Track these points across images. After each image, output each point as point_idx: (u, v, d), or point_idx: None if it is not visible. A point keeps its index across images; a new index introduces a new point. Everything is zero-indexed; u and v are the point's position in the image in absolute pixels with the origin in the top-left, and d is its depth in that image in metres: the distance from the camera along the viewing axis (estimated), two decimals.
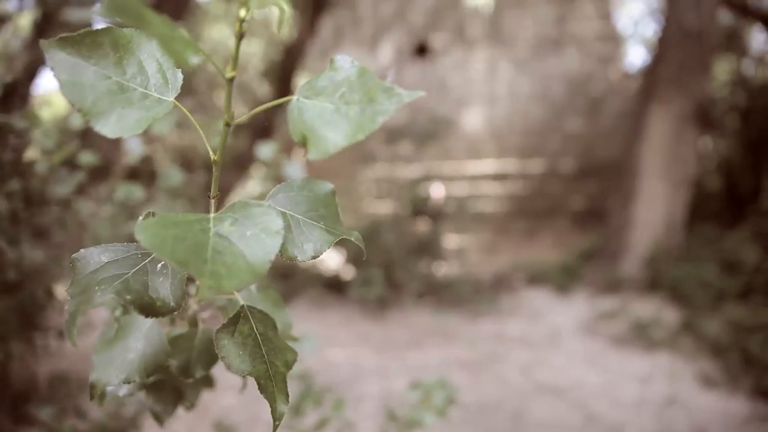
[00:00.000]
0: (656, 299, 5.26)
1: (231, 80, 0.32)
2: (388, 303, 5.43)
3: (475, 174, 10.59)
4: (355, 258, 5.48)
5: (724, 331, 4.03)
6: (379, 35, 11.28)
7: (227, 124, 0.32)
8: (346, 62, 0.29)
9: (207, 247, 0.26)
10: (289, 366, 0.41)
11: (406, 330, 4.71)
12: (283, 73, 7.12)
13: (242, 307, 0.42)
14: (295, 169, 1.18)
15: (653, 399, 3.29)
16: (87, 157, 1.01)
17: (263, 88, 9.89)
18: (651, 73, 6.30)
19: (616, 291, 5.67)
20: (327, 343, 4.32)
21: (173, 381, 0.52)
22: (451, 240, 5.71)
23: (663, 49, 6.16)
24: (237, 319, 0.42)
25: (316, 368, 3.72)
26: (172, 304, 0.32)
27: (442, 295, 5.48)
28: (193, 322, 0.51)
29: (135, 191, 1.02)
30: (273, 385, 0.40)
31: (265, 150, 1.30)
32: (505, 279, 6.16)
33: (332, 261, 6.44)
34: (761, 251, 5.27)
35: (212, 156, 0.33)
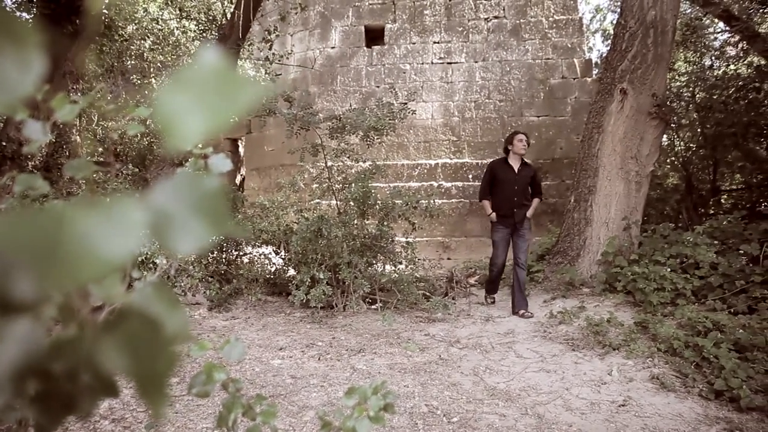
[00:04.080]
0: (613, 300, 5.47)
1: (99, 57, 0.33)
2: (334, 306, 5.44)
3: (429, 168, 10.70)
4: (297, 259, 5.45)
5: (679, 332, 4.24)
6: (328, 19, 11.22)
7: (91, 105, 0.33)
8: (210, 54, 0.30)
9: (58, 241, 0.27)
10: (170, 366, 0.42)
11: (353, 334, 4.73)
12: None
13: (123, 306, 0.43)
14: (219, 160, 1.18)
15: (607, 402, 3.43)
16: None
17: None
18: (609, 66, 6.52)
19: (572, 292, 5.87)
20: (269, 350, 4.29)
21: (61, 389, 0.52)
22: (402, 239, 5.76)
23: (622, 40, 6.38)
24: (117, 318, 0.43)
25: (257, 376, 3.70)
26: (32, 300, 0.33)
27: (393, 297, 5.52)
28: (82, 325, 0.51)
29: (36, 182, 1.00)
30: (151, 386, 0.41)
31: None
32: (459, 280, 6.27)
33: (277, 261, 6.40)
34: (718, 251, 5.56)
35: (79, 140, 0.34)
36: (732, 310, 4.72)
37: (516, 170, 5.56)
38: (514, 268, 5.50)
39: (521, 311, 5.39)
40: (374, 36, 11.29)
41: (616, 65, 6.36)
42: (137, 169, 6.83)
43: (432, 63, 10.96)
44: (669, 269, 5.34)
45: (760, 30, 9.11)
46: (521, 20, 10.82)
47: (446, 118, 10.84)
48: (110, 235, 0.28)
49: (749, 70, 9.11)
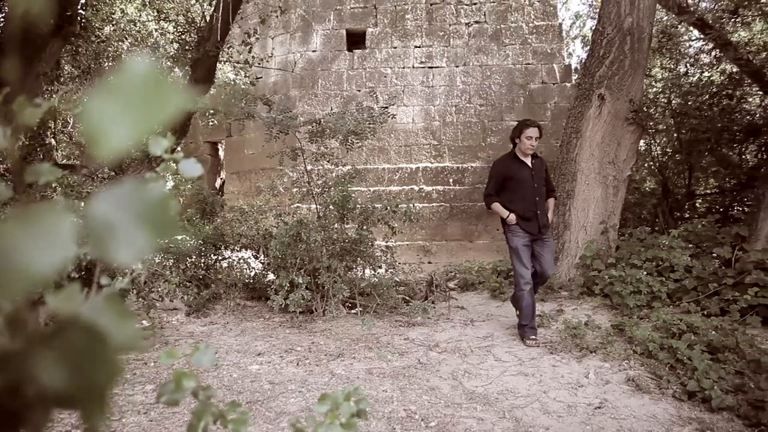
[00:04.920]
0: (591, 303, 5.52)
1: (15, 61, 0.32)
2: (314, 310, 5.41)
3: (409, 172, 10.72)
4: (277, 263, 5.41)
5: (654, 334, 4.29)
6: (309, 22, 11.20)
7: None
8: (137, 63, 0.30)
9: None
10: (110, 380, 0.41)
11: (332, 339, 4.71)
12: (197, 59, 6.93)
13: (64, 319, 0.42)
14: (189, 165, 1.16)
15: (584, 404, 3.45)
16: None
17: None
18: (588, 72, 6.60)
19: (551, 295, 5.91)
20: (247, 355, 4.26)
21: (4, 404, 0.51)
22: (382, 243, 5.75)
23: (599, 47, 6.46)
24: (57, 331, 0.42)
25: (234, 382, 3.66)
26: None
27: (372, 301, 5.51)
28: (30, 338, 0.50)
29: None
30: (89, 400, 0.40)
31: (158, 146, 1.27)
32: (439, 284, 6.27)
33: (256, 266, 6.35)
34: (692, 254, 5.65)
35: None
36: (705, 312, 4.80)
37: (530, 164, 4.60)
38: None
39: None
40: (356, 40, 11.29)
41: (594, 71, 6.43)
42: (114, 173, 6.74)
43: (413, 67, 10.99)
44: (645, 272, 5.41)
45: (732, 38, 9.30)
46: (502, 26, 10.90)
47: (427, 122, 10.87)
48: (37, 248, 0.27)
49: (722, 77, 9.29)
